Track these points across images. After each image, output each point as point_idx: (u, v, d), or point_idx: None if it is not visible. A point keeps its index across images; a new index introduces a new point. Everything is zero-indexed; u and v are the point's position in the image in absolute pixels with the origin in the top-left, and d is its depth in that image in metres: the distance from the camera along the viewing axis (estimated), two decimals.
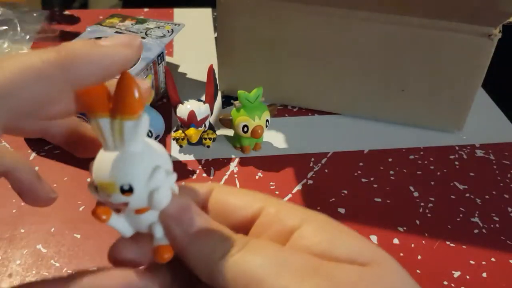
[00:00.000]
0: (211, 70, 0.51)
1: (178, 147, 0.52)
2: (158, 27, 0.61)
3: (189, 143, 0.51)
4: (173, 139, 0.51)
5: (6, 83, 0.17)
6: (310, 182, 0.50)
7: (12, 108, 0.18)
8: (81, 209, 0.45)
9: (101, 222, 0.20)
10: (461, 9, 0.47)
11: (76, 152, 0.24)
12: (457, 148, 0.56)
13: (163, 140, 0.53)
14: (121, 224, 0.21)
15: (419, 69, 0.52)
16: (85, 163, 0.56)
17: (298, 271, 0.18)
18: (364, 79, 0.55)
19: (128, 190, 0.19)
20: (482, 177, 0.52)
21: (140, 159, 0.19)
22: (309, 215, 0.21)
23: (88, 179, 0.20)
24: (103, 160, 0.19)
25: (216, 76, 0.56)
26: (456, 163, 0.54)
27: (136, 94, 0.18)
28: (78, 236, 0.43)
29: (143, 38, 0.58)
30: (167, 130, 0.54)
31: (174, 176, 0.20)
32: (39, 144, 0.51)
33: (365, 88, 0.56)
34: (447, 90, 0.53)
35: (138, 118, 0.18)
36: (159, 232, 0.21)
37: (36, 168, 0.49)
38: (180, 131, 0.51)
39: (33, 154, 0.51)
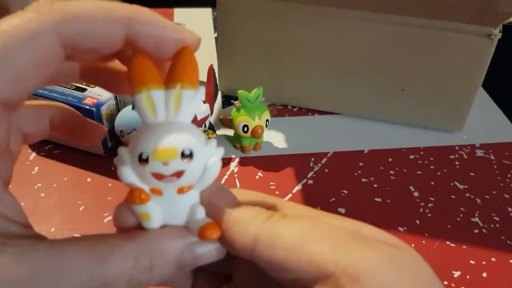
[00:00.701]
0: (211, 70, 0.51)
1: None
2: None
3: None
4: None
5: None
6: (310, 182, 0.50)
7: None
8: (81, 209, 0.45)
9: (138, 203, 0.19)
10: (461, 9, 0.47)
11: (79, 139, 0.24)
12: (457, 148, 0.56)
13: None
14: (155, 211, 0.20)
15: (419, 69, 0.52)
16: (85, 163, 0.56)
17: (336, 237, 0.19)
18: (364, 79, 0.55)
19: (189, 155, 0.19)
20: (482, 177, 0.52)
21: (195, 128, 0.20)
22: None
23: (125, 153, 0.19)
24: (156, 129, 0.19)
25: (216, 76, 0.56)
26: (456, 163, 0.54)
27: (197, 66, 0.19)
28: (78, 236, 0.42)
29: None
30: None
31: (222, 149, 0.20)
32: (39, 144, 0.51)
33: (365, 88, 0.56)
34: (447, 90, 0.53)
35: (197, 89, 0.19)
36: (201, 213, 0.20)
37: (36, 168, 0.49)
38: None
39: (33, 154, 0.51)
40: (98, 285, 0.18)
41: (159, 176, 0.19)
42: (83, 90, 0.48)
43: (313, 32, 0.53)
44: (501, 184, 0.51)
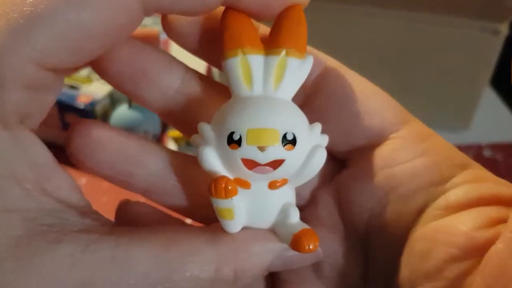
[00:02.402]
0: (210, 69, 0.50)
1: (176, 147, 0.51)
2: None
3: (187, 142, 0.50)
4: (171, 139, 0.50)
5: None
6: None
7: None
8: None
9: (222, 197, 0.15)
10: (467, 5, 0.46)
11: None
12: (463, 148, 0.54)
13: (160, 140, 0.52)
14: (240, 208, 0.16)
15: (424, 66, 0.51)
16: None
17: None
18: (368, 76, 0.54)
19: (291, 141, 0.15)
20: None
21: (297, 108, 0.16)
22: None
23: (209, 130, 0.16)
24: (252, 105, 0.15)
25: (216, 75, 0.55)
26: None
27: (305, 30, 0.15)
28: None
29: None
30: (164, 130, 0.53)
31: (327, 138, 0.16)
32: None
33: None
34: (453, 88, 0.52)
35: (305, 58, 0.16)
36: (295, 215, 0.16)
37: None
38: (178, 131, 0.49)
39: None
40: None
41: (251, 164, 0.15)
42: (77, 88, 0.47)
43: (315, 29, 0.51)
44: None
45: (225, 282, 0.15)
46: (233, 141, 0.15)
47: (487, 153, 0.54)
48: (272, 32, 0.16)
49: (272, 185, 0.16)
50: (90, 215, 0.15)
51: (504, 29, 0.47)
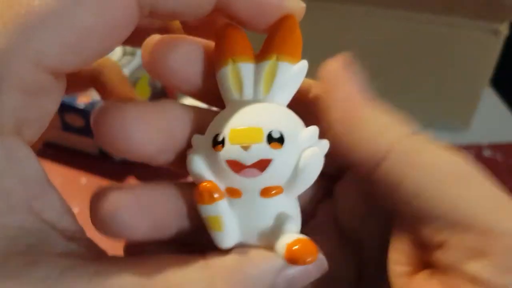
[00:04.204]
0: None
1: None
2: None
3: None
4: None
5: None
6: None
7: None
8: (76, 210, 0.43)
9: (206, 202, 0.14)
10: (467, 5, 0.46)
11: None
12: (463, 148, 0.54)
13: None
14: (230, 218, 0.15)
15: (424, 66, 0.51)
16: (79, 164, 0.54)
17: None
18: (368, 76, 0.54)
19: (277, 140, 0.14)
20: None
21: (290, 111, 0.15)
22: None
23: (198, 139, 0.15)
24: (238, 108, 0.15)
25: None
26: None
27: (300, 38, 0.15)
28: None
29: None
30: None
31: (326, 143, 0.15)
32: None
33: (369, 86, 0.54)
34: (453, 88, 0.52)
35: (297, 63, 0.15)
36: (291, 226, 0.15)
37: None
38: None
39: None
40: None
41: (236, 166, 0.14)
42: None
43: (313, 28, 0.51)
44: (509, 185, 0.50)
45: None
46: (217, 143, 0.14)
47: (487, 153, 0.54)
48: (265, 43, 0.16)
49: (265, 193, 0.15)
50: (78, 241, 0.15)
51: (504, 29, 0.47)
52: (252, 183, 0.14)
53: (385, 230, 0.16)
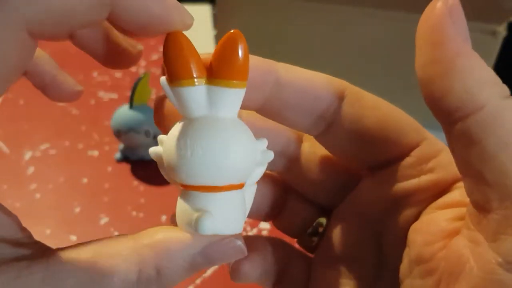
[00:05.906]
0: None
1: None
2: None
3: None
4: None
5: None
6: None
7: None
8: (77, 210, 0.44)
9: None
10: (466, 6, 0.46)
11: (105, 63, 0.21)
12: None
13: None
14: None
15: None
16: (81, 164, 0.54)
17: None
18: (367, 77, 0.54)
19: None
20: None
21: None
22: None
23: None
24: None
25: None
26: None
27: (245, 59, 0.16)
28: (74, 238, 0.41)
29: None
30: None
31: (271, 154, 0.18)
32: (34, 144, 0.50)
33: (368, 86, 0.54)
34: None
35: (243, 87, 0.17)
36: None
37: (31, 168, 0.48)
38: None
39: (29, 154, 0.49)
40: None
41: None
42: None
43: (314, 29, 0.52)
44: None
45: (149, 281, 0.16)
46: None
47: None
48: (213, 60, 0.17)
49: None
50: (25, 245, 0.16)
51: (502, 30, 0.47)
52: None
53: (405, 226, 0.18)
